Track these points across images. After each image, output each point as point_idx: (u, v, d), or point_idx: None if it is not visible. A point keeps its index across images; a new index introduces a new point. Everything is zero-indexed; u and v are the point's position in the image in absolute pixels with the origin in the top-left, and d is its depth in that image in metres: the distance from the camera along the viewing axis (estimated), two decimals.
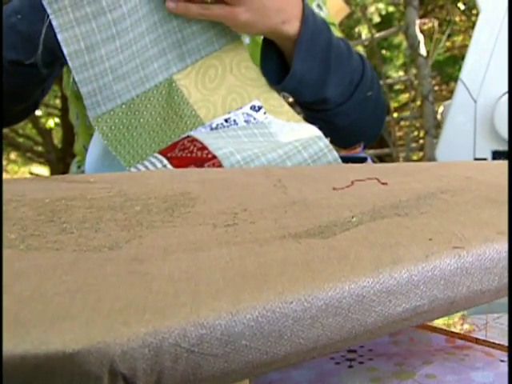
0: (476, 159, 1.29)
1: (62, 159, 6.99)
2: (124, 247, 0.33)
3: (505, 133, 1.24)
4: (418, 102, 4.75)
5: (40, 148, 7.46)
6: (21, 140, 7.42)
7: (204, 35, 0.91)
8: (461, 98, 1.30)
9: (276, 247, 0.31)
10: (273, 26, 0.90)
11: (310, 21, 0.93)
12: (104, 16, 0.83)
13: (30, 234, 0.38)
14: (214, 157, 0.77)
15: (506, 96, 1.24)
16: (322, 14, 1.23)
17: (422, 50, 4.02)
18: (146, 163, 0.81)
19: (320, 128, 1.12)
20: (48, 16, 0.80)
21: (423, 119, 4.12)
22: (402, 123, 5.90)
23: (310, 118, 1.11)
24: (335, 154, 0.78)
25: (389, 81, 4.87)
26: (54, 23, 0.79)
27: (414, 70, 4.35)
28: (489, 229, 0.33)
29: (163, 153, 0.81)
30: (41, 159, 7.85)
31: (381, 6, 5.33)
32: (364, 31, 4.75)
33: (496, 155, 1.27)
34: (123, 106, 0.87)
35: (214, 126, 0.89)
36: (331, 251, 0.30)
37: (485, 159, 1.28)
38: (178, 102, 0.89)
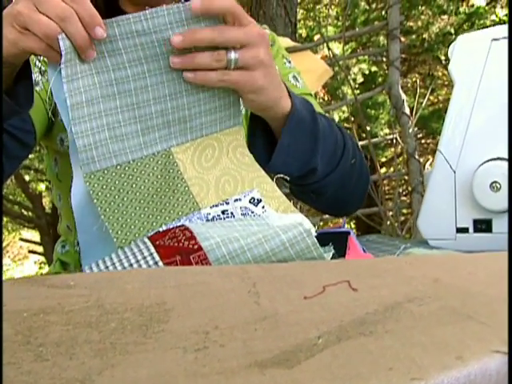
0: (458, 228, 1.31)
1: (52, 224, 7.00)
2: (96, 381, 0.34)
3: (484, 202, 1.26)
4: (405, 156, 4.81)
5: (30, 213, 7.48)
6: (10, 205, 7.43)
7: (210, 116, 0.93)
8: (440, 168, 1.33)
9: (242, 380, 0.32)
10: (277, 98, 0.93)
11: (296, 98, 0.97)
12: (107, 73, 0.85)
13: (6, 362, 0.39)
14: (200, 248, 0.77)
15: (483, 166, 1.27)
16: (299, 85, 1.28)
17: (406, 109, 4.10)
18: (134, 249, 0.81)
19: (311, 200, 1.14)
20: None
21: (409, 176, 4.17)
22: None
23: (300, 194, 1.14)
24: (320, 250, 0.79)
25: (375, 139, 4.94)
26: (63, 73, 0.81)
27: (398, 127, 4.42)
28: (449, 353, 0.34)
29: (153, 239, 0.81)
30: (31, 224, 7.86)
31: (364, 66, 5.44)
32: (348, 91, 4.84)
33: (477, 223, 1.29)
34: (118, 167, 0.88)
35: (210, 217, 0.90)
36: None
37: (466, 228, 1.30)
38: (172, 176, 0.91)
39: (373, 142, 5.02)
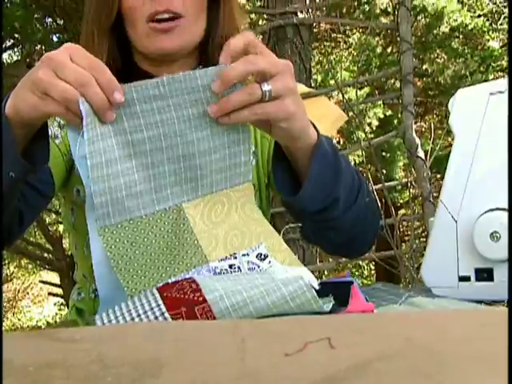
0: (460, 277, 1.34)
1: (71, 266, 7.07)
2: None
3: (485, 251, 1.30)
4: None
5: (50, 255, 7.55)
6: (31, 248, 7.52)
7: (220, 174, 0.97)
8: (442, 217, 1.36)
9: None
10: (306, 125, 0.97)
11: (317, 129, 1.01)
12: (124, 136, 0.89)
13: None
14: (205, 300, 0.81)
15: (483, 216, 1.30)
16: None
17: (421, 153, 4.13)
18: (143, 300, 0.85)
19: (327, 239, 1.17)
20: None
21: (425, 219, 4.19)
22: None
23: (317, 233, 1.17)
24: (320, 303, 0.83)
25: (391, 183, 4.97)
26: (85, 135, 0.84)
27: (414, 171, 4.45)
28: None
29: (161, 290, 0.85)
30: (51, 266, 7.93)
31: (378, 109, 5.51)
32: (363, 136, 4.89)
33: (479, 272, 1.32)
34: (131, 222, 0.91)
35: (218, 270, 0.93)
36: None
37: (468, 277, 1.33)
38: (182, 230, 0.94)
39: (389, 185, 5.06)
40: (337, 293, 0.91)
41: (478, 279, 1.32)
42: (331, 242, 1.17)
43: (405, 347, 0.50)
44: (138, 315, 0.83)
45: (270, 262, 0.96)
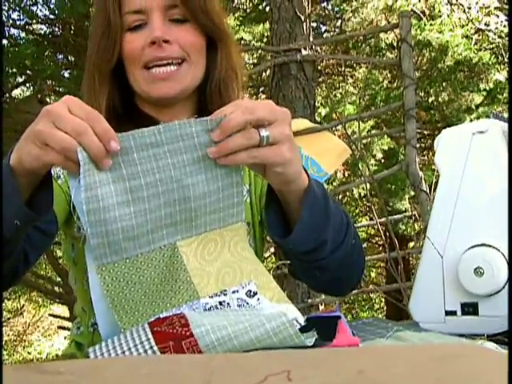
0: (446, 311, 1.37)
1: None
2: None
3: (469, 286, 1.33)
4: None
5: (60, 289, 7.59)
6: (40, 281, 7.57)
7: (213, 215, 1.00)
8: (429, 253, 1.40)
9: None
10: (299, 170, 1.01)
11: (310, 175, 1.06)
12: (123, 183, 0.92)
13: None
14: (192, 335, 0.85)
15: (468, 252, 1.34)
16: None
17: (424, 187, 4.17)
18: (134, 334, 0.89)
19: (313, 278, 1.21)
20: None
21: None
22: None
23: (304, 272, 1.21)
24: (301, 338, 0.86)
25: (396, 216, 5.00)
26: (82, 182, 0.88)
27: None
28: None
29: (152, 325, 0.89)
30: (61, 300, 7.96)
31: (383, 141, 5.56)
32: (367, 171, 4.93)
33: (464, 307, 1.36)
34: (127, 261, 0.94)
35: (208, 306, 0.97)
36: None
37: (454, 311, 1.36)
38: (176, 267, 0.97)
39: (395, 218, 5.08)
40: (323, 327, 0.94)
41: (463, 313, 1.36)
42: (317, 280, 1.21)
43: (356, 379, 0.54)
44: (129, 348, 0.87)
45: (258, 299, 1.00)
